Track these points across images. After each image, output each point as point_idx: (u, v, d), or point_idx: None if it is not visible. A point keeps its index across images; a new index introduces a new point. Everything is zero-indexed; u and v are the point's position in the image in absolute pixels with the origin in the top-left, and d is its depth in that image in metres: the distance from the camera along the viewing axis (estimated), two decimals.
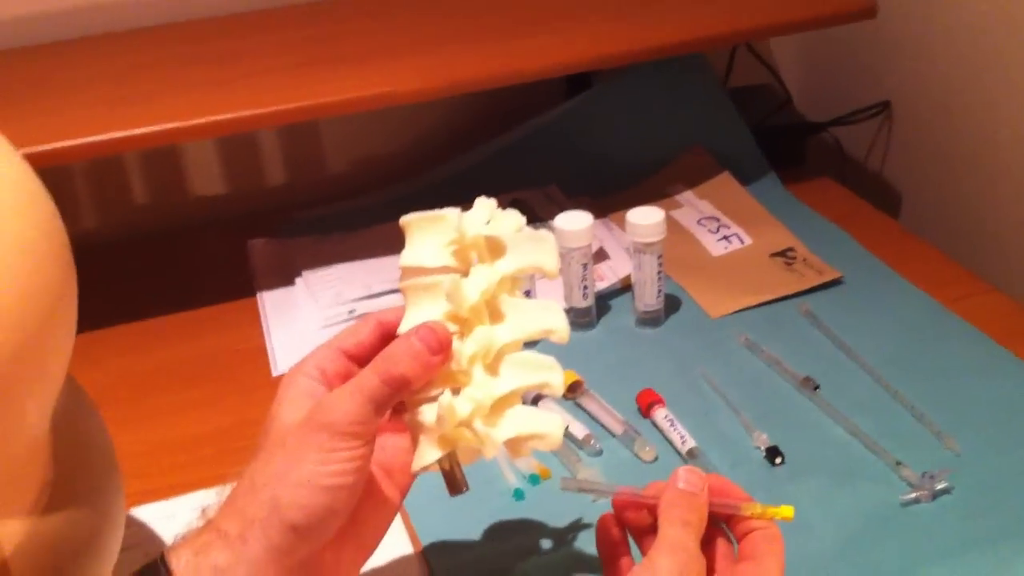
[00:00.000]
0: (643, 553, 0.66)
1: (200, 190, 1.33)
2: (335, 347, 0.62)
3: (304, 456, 0.55)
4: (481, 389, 0.59)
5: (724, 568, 0.64)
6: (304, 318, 1.06)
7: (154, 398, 0.98)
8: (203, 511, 0.57)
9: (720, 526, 0.65)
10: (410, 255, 0.62)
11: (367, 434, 0.56)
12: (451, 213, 0.62)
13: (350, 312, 1.06)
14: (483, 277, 0.61)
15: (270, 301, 1.10)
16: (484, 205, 0.63)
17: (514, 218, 0.63)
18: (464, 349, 0.59)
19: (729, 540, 0.66)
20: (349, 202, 1.30)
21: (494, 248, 0.61)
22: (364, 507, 0.59)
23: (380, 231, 1.19)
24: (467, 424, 0.59)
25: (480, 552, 0.78)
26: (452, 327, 0.60)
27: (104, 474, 0.67)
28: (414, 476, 0.63)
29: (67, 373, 0.63)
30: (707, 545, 0.62)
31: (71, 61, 1.13)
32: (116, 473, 0.69)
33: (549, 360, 0.62)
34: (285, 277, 1.13)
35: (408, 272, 0.62)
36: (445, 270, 0.61)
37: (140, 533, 0.80)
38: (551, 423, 0.61)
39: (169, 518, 0.81)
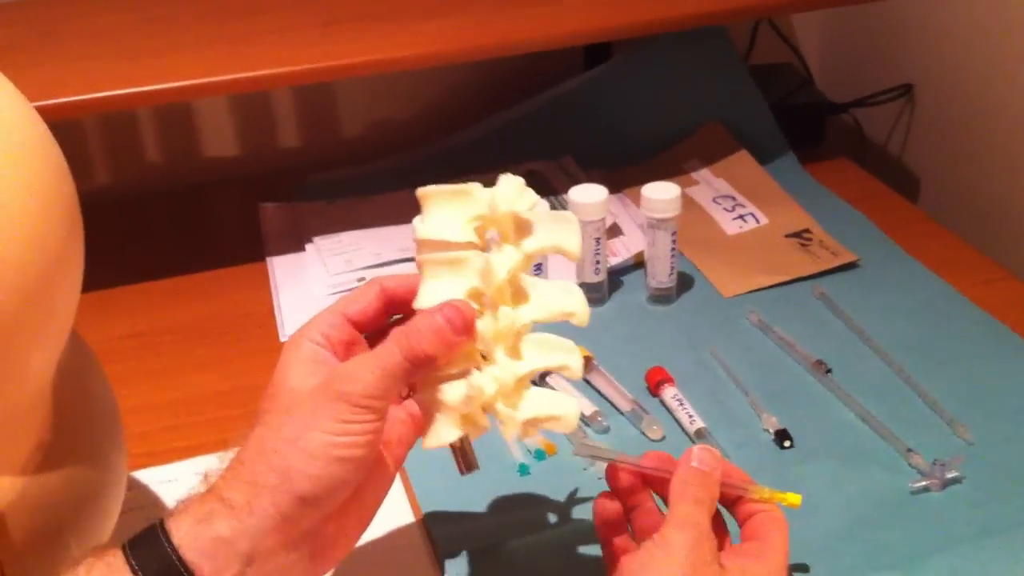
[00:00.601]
0: (634, 531, 0.65)
1: (213, 150, 1.32)
2: (339, 312, 0.61)
3: (318, 424, 0.54)
4: (504, 370, 0.59)
5: (726, 548, 0.63)
6: (313, 284, 1.05)
7: (160, 359, 0.98)
8: (205, 476, 0.56)
9: (719, 510, 0.65)
10: (431, 228, 0.60)
11: (383, 408, 0.56)
12: (477, 188, 0.60)
13: (359, 280, 1.05)
14: (509, 256, 0.60)
15: (280, 266, 1.09)
16: (511, 182, 0.61)
17: (528, 196, 0.62)
18: (487, 329, 0.58)
19: (725, 524, 0.65)
20: (363, 167, 1.29)
21: (521, 227, 0.60)
22: (366, 478, 0.58)
23: (393, 198, 1.18)
24: (490, 405, 0.59)
25: (482, 524, 0.77)
26: (473, 305, 0.59)
27: (106, 433, 0.67)
28: (405, 449, 0.63)
29: (73, 329, 0.63)
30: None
31: (85, 12, 1.12)
32: (119, 432, 0.69)
33: (568, 343, 0.61)
34: (295, 242, 1.12)
35: (427, 245, 0.60)
36: (470, 246, 0.60)
37: (142, 496, 0.79)
38: (567, 405, 0.61)
39: (171, 482, 0.81)
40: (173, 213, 1.23)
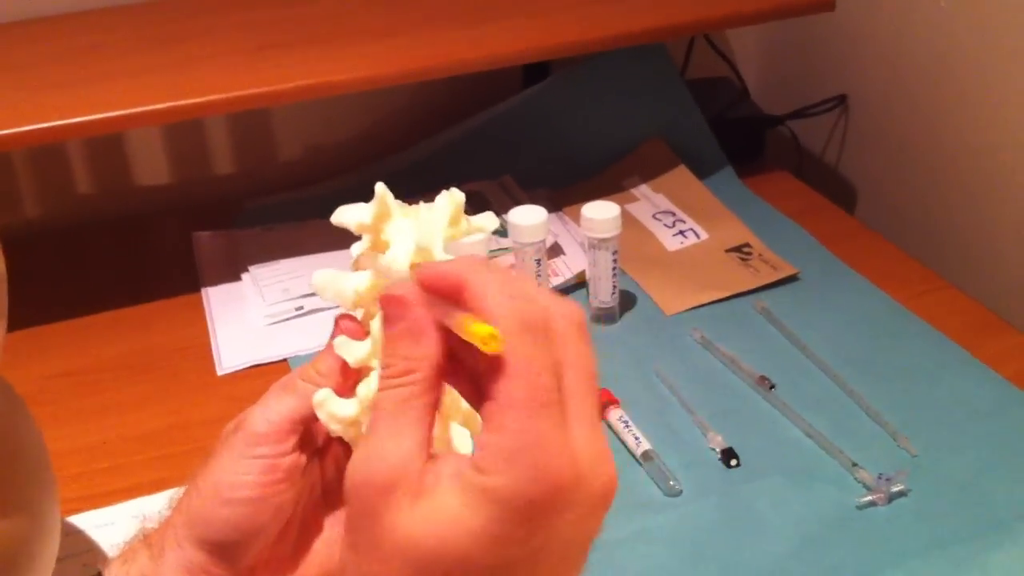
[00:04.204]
0: None
1: (147, 179, 1.29)
2: (335, 356, 0.52)
3: (216, 464, 0.50)
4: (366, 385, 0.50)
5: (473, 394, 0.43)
6: (250, 314, 1.04)
7: (93, 397, 0.95)
8: (143, 518, 0.54)
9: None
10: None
11: (286, 439, 0.50)
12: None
13: (297, 309, 1.03)
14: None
15: (215, 296, 1.07)
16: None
17: (488, 220, 0.56)
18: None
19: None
20: (300, 191, 1.27)
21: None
22: (322, 532, 0.54)
23: (329, 223, 1.16)
24: (356, 424, 0.51)
25: None
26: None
27: (36, 481, 0.65)
28: None
29: None
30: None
31: (7, 44, 1.09)
32: (50, 479, 0.66)
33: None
34: (231, 271, 1.10)
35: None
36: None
37: (78, 542, 0.77)
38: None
39: (108, 526, 0.78)
40: (106, 245, 1.20)
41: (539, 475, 0.36)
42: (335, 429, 0.49)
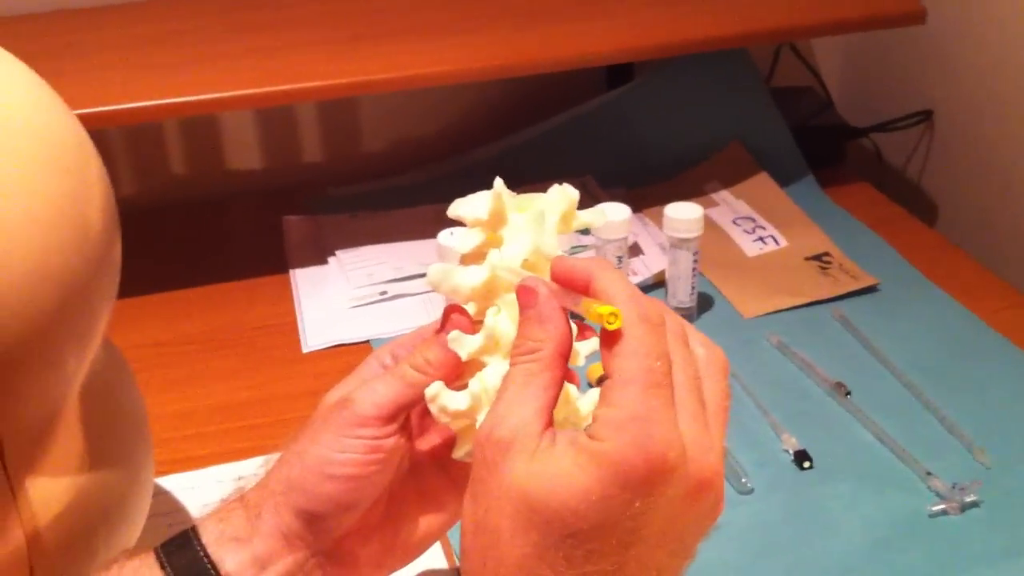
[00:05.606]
0: None
1: (237, 163, 1.33)
2: (419, 333, 0.56)
3: (319, 439, 0.52)
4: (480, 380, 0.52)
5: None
6: (335, 296, 1.06)
7: (181, 368, 0.98)
8: (239, 478, 0.56)
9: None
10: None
11: (390, 422, 0.52)
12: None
13: (381, 293, 1.05)
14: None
15: (302, 278, 1.10)
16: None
17: (597, 215, 0.54)
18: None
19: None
20: (384, 181, 1.30)
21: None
22: (408, 506, 0.56)
23: (414, 212, 1.18)
24: (466, 415, 0.52)
25: None
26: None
27: (137, 439, 0.68)
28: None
29: (106, 336, 0.63)
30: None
31: (110, 24, 1.13)
32: (148, 439, 0.69)
33: None
34: (318, 255, 1.13)
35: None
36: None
37: (166, 502, 0.80)
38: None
39: (192, 489, 0.81)
40: (197, 224, 1.24)
41: (645, 445, 0.40)
42: (445, 421, 0.51)
